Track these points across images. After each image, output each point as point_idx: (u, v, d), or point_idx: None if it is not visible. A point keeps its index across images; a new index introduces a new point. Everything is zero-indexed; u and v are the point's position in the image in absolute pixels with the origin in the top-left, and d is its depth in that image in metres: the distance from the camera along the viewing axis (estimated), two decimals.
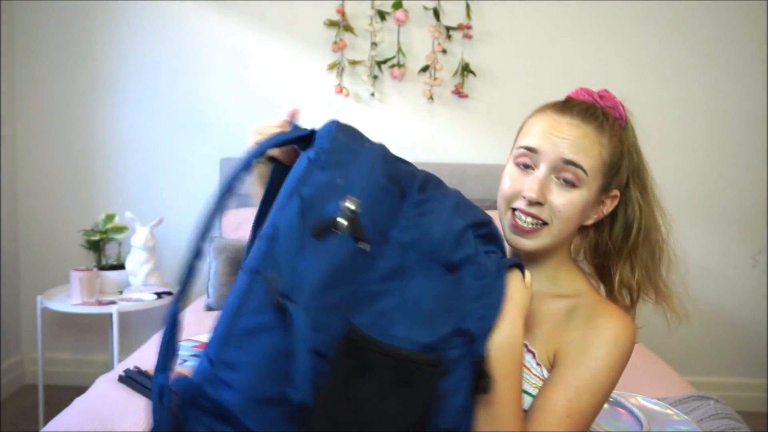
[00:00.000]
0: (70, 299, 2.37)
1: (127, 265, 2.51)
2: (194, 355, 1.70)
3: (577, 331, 0.88)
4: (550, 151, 0.90)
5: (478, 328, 0.72)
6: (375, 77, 2.73)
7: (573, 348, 0.87)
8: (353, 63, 2.73)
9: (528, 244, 0.91)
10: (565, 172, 0.90)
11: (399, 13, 2.65)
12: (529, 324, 0.89)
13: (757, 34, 2.73)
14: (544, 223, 0.90)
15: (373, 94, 2.75)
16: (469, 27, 2.69)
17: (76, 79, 2.77)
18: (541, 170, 0.90)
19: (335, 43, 2.70)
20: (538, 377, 0.88)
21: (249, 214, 2.77)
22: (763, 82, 2.74)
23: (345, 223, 0.71)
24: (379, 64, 2.72)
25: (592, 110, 0.97)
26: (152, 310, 2.55)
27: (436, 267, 0.73)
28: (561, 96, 2.64)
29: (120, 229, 2.56)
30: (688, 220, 2.83)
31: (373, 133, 2.96)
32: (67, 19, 2.74)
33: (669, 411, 1.14)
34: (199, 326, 2.04)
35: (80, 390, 1.59)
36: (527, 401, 0.86)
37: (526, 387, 0.87)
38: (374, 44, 2.70)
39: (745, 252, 2.83)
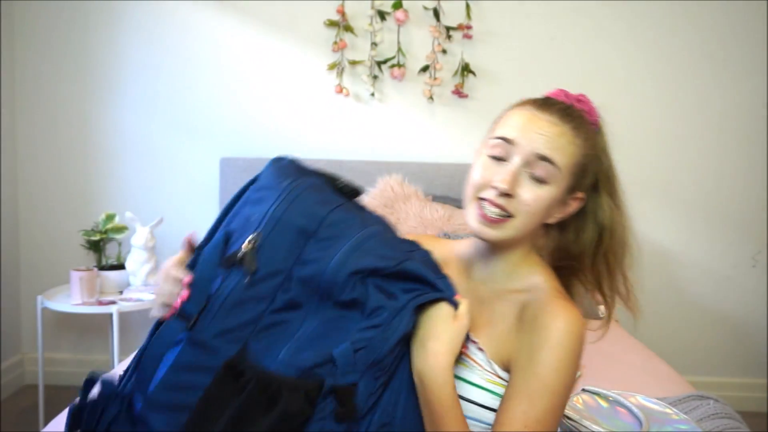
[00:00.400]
0: (70, 299, 2.37)
1: (127, 265, 2.51)
2: None
3: (525, 335, 0.89)
4: (526, 145, 0.91)
5: (345, 359, 0.74)
6: (375, 77, 2.73)
7: (522, 355, 0.88)
8: (353, 63, 2.73)
9: (492, 234, 0.91)
10: (538, 168, 0.91)
11: (399, 13, 2.65)
12: (479, 323, 0.93)
13: (757, 34, 2.73)
14: (510, 216, 0.91)
15: (373, 94, 2.75)
16: (469, 27, 2.69)
17: (76, 80, 2.77)
18: (515, 162, 0.91)
19: (335, 43, 2.70)
20: (491, 372, 0.90)
21: None
22: (763, 82, 2.74)
23: (243, 256, 0.79)
24: (379, 64, 2.72)
25: (570, 111, 0.97)
26: (152, 311, 2.55)
27: (329, 304, 0.78)
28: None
29: (120, 229, 2.56)
30: (688, 220, 2.83)
31: (374, 133, 2.98)
32: (67, 20, 2.74)
33: (668, 410, 1.14)
34: None
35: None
36: (477, 393, 0.89)
37: (476, 379, 0.89)
38: (374, 44, 2.70)
39: (744, 252, 2.82)
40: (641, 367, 1.82)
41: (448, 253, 1.04)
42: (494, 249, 0.97)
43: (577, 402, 1.12)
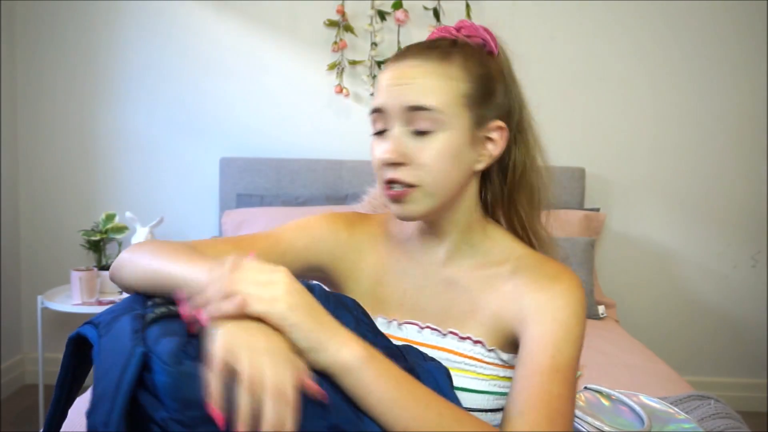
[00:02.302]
0: (71, 299, 2.37)
1: None
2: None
3: (529, 294, 0.81)
4: (394, 105, 0.80)
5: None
6: (375, 77, 2.73)
7: (532, 310, 0.80)
8: (353, 63, 2.73)
9: (406, 210, 0.81)
10: (417, 121, 0.80)
11: (399, 13, 2.65)
12: (457, 313, 0.85)
13: (757, 34, 2.73)
14: (413, 186, 0.80)
15: (373, 94, 2.75)
16: None
17: (76, 79, 2.77)
18: (394, 128, 0.81)
19: (335, 43, 2.71)
20: (494, 364, 0.83)
21: (249, 215, 2.77)
22: (763, 82, 2.74)
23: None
24: (379, 64, 2.72)
25: (432, 43, 0.85)
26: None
27: None
28: (562, 96, 2.66)
29: (120, 229, 2.56)
30: (688, 220, 2.83)
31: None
32: (68, 19, 2.74)
33: (671, 410, 1.15)
34: None
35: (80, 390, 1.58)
36: (476, 398, 0.81)
37: (477, 385, 0.82)
38: (374, 44, 2.70)
39: (744, 252, 2.83)
40: (641, 367, 1.82)
41: (385, 233, 0.95)
42: (436, 229, 0.87)
43: (579, 399, 1.12)
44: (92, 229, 2.56)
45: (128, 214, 2.51)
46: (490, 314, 0.84)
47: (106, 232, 2.55)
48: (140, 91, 2.79)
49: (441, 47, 0.84)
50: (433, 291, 0.88)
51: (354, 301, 0.80)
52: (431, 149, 0.80)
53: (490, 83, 0.85)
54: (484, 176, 0.89)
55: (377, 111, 0.83)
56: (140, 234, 2.50)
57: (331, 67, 2.73)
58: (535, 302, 0.80)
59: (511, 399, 0.75)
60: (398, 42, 2.71)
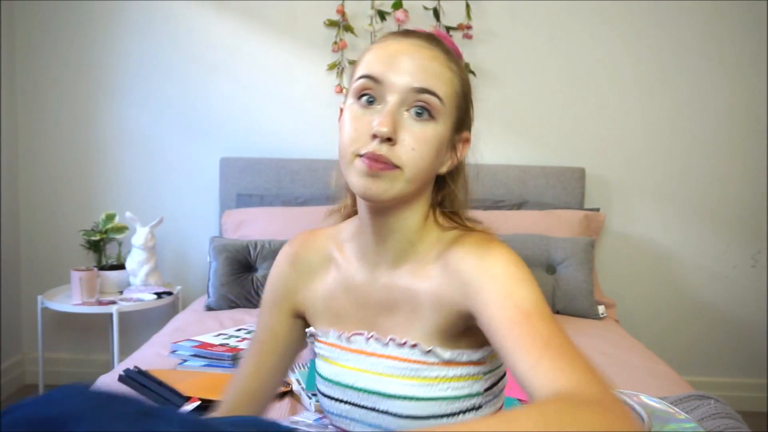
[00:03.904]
0: (71, 299, 2.37)
1: (127, 265, 2.51)
2: (194, 355, 1.70)
3: (461, 267, 0.78)
4: (396, 79, 0.76)
5: None
6: None
7: (471, 280, 0.76)
8: (353, 63, 2.72)
9: (380, 187, 0.75)
10: (418, 102, 0.76)
11: (399, 13, 2.65)
12: (396, 322, 0.83)
13: (757, 34, 2.73)
14: (396, 167, 0.76)
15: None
16: (469, 27, 2.69)
17: (76, 79, 2.77)
18: (390, 102, 0.76)
19: (335, 43, 2.71)
20: (437, 364, 0.80)
21: (249, 215, 2.77)
22: (763, 82, 2.74)
23: None
24: None
25: (434, 37, 0.83)
26: (152, 310, 2.55)
27: None
28: (562, 96, 2.67)
29: (120, 229, 2.56)
30: (688, 220, 2.83)
31: None
32: (68, 19, 2.74)
33: (671, 410, 1.15)
34: (199, 326, 2.04)
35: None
36: (428, 406, 0.79)
37: (425, 391, 0.79)
38: None
39: (744, 252, 2.83)
40: (641, 367, 1.82)
41: (334, 245, 0.92)
42: (385, 225, 0.82)
43: None
44: (92, 229, 2.56)
45: (128, 214, 2.51)
46: (429, 308, 0.81)
47: (106, 232, 2.55)
48: (140, 91, 2.79)
49: (441, 42, 0.82)
50: (378, 298, 0.86)
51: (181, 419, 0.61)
52: (424, 136, 0.77)
53: (469, 93, 0.86)
54: (445, 179, 0.87)
55: (371, 79, 0.78)
56: (140, 234, 2.50)
57: (331, 67, 2.73)
58: (469, 271, 0.77)
59: (513, 365, 0.69)
60: None
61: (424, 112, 0.77)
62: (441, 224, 0.86)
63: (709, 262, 2.83)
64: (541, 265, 2.41)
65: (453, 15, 2.70)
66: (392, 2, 2.67)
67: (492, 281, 0.75)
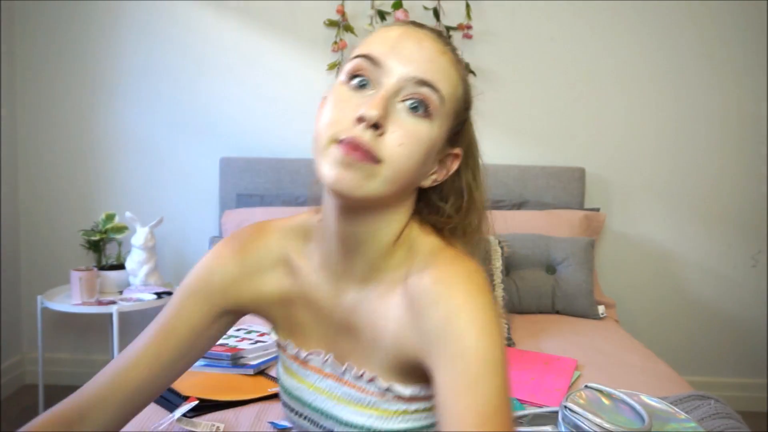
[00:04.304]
0: (71, 299, 2.37)
1: (127, 265, 2.51)
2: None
3: (420, 319, 0.68)
4: (397, 65, 0.68)
5: None
6: None
7: (430, 344, 0.66)
8: None
9: (354, 180, 0.65)
10: (417, 95, 0.67)
11: (399, 13, 2.65)
12: (357, 347, 0.76)
13: (757, 34, 2.73)
14: (379, 161, 0.65)
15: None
16: (469, 27, 2.69)
17: (76, 79, 2.77)
18: (386, 87, 0.67)
19: (335, 43, 2.71)
20: (396, 398, 0.73)
21: (249, 215, 2.76)
22: (763, 82, 2.74)
23: None
24: None
25: (445, 37, 0.75)
26: (152, 310, 2.55)
27: None
28: (562, 96, 2.67)
29: (120, 229, 2.56)
30: (688, 220, 2.83)
31: None
32: (68, 19, 2.74)
33: (671, 410, 1.15)
34: None
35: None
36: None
37: (382, 424, 0.73)
38: None
39: (744, 252, 2.83)
40: (641, 367, 1.82)
41: (292, 247, 0.82)
42: (357, 227, 0.73)
43: (580, 397, 1.12)
44: (92, 229, 2.56)
45: (128, 214, 2.51)
46: (391, 342, 0.72)
47: (106, 232, 2.55)
48: (140, 91, 2.79)
49: (450, 43, 0.74)
50: (341, 318, 0.77)
51: None
52: (417, 132, 0.67)
53: (469, 107, 0.77)
54: (427, 194, 0.78)
55: (369, 59, 0.69)
56: (140, 234, 2.50)
57: (331, 67, 2.73)
58: (433, 321, 0.66)
59: None
60: None
61: (421, 107, 0.68)
62: (419, 240, 0.76)
63: (710, 262, 2.83)
64: (541, 265, 2.41)
65: (453, 15, 2.70)
66: (392, 2, 2.67)
67: (455, 359, 0.63)
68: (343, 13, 2.69)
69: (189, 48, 2.76)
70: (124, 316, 2.51)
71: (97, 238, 2.53)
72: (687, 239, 2.83)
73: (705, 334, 2.87)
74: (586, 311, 2.33)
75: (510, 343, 1.98)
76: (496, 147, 2.77)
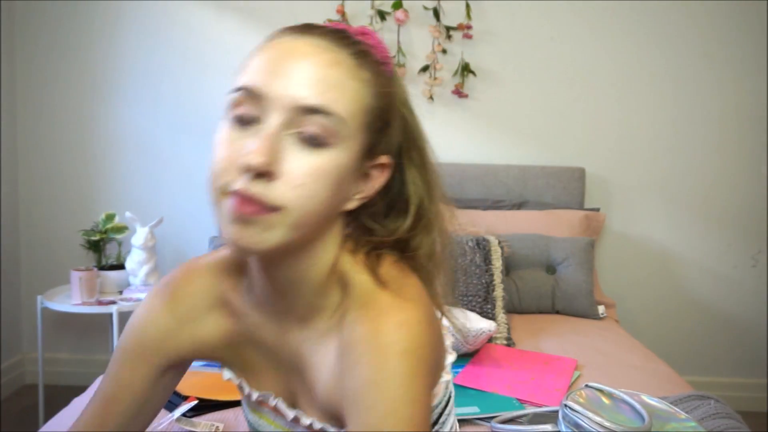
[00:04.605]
0: (71, 299, 2.37)
1: (127, 265, 2.51)
2: None
3: (349, 371, 0.62)
4: (280, 92, 0.59)
5: None
6: None
7: (348, 401, 0.61)
8: None
9: (255, 238, 0.59)
10: (308, 124, 0.59)
11: (399, 13, 2.65)
12: (306, 388, 0.71)
13: (757, 34, 2.73)
14: (276, 208, 0.58)
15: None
16: (469, 27, 2.69)
17: (76, 79, 2.77)
18: (271, 123, 0.59)
19: None
20: None
21: None
22: (763, 82, 2.74)
23: None
24: None
25: (345, 35, 0.65)
26: None
27: None
28: (562, 96, 2.65)
29: (120, 229, 2.56)
30: (688, 220, 2.83)
31: None
32: (68, 19, 2.74)
33: (671, 410, 1.15)
34: None
35: (80, 390, 1.58)
36: None
37: None
38: None
39: (744, 252, 2.83)
40: (641, 367, 1.82)
41: (227, 285, 0.75)
42: (281, 271, 0.67)
43: (580, 396, 1.12)
44: (92, 229, 2.55)
45: (128, 214, 2.51)
46: (323, 389, 0.68)
47: (106, 232, 2.55)
48: (140, 91, 2.79)
49: (355, 43, 0.64)
50: (288, 358, 0.73)
51: None
52: (315, 168, 0.59)
53: (391, 108, 0.67)
54: (357, 214, 0.70)
55: (250, 92, 0.60)
56: (140, 234, 2.50)
57: None
58: (349, 389, 0.61)
59: None
60: (398, 42, 2.71)
61: (316, 138, 0.59)
62: (351, 277, 0.68)
63: (710, 262, 2.83)
64: (541, 265, 2.41)
65: (453, 15, 2.70)
66: (392, 2, 2.67)
67: (362, 428, 0.58)
68: (343, 13, 2.69)
69: (189, 48, 2.76)
70: (124, 316, 2.50)
71: (97, 238, 2.53)
72: (687, 239, 2.83)
73: (705, 334, 2.87)
74: (586, 311, 2.32)
75: (510, 343, 1.98)
76: (496, 147, 2.77)
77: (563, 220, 2.54)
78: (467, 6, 2.69)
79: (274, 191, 0.58)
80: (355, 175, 0.65)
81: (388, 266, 0.68)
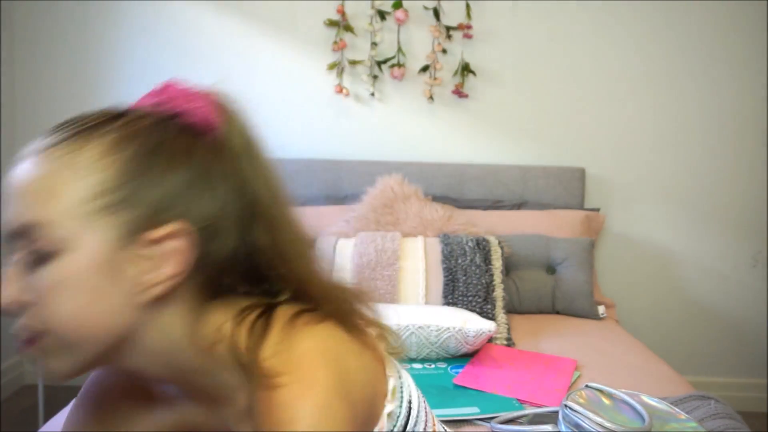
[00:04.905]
0: None
1: None
2: None
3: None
4: (4, 230, 0.58)
5: None
6: (375, 77, 2.73)
7: None
8: (353, 63, 2.72)
9: (47, 367, 0.58)
10: (27, 244, 0.56)
11: (399, 13, 2.65)
12: None
13: (757, 34, 2.73)
14: (42, 334, 0.57)
15: (373, 94, 2.75)
16: (469, 27, 2.69)
17: (76, 79, 2.77)
18: (11, 258, 0.58)
19: (335, 42, 2.70)
20: None
21: None
22: (763, 82, 2.74)
23: None
24: (379, 63, 2.72)
25: (77, 121, 0.61)
26: None
27: None
28: (562, 96, 2.61)
29: None
30: (689, 221, 2.83)
31: (374, 133, 3.00)
32: (67, 19, 2.74)
33: (672, 410, 1.15)
34: None
35: (79, 390, 1.58)
36: None
37: None
38: (374, 44, 2.70)
39: (744, 252, 2.83)
40: (641, 367, 1.82)
41: (151, 374, 0.64)
42: (135, 372, 0.63)
43: (580, 396, 1.12)
44: None
45: None
46: None
47: None
48: (140, 91, 2.77)
49: (84, 125, 0.60)
50: None
51: None
52: (50, 281, 0.55)
53: (158, 169, 0.59)
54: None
55: None
56: None
57: (331, 66, 2.73)
58: None
59: None
60: (398, 42, 2.71)
61: (39, 253, 0.55)
62: (242, 345, 0.60)
63: (710, 263, 2.83)
64: (541, 265, 2.41)
65: (453, 15, 2.70)
66: (392, 2, 2.67)
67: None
68: (343, 13, 2.68)
69: (189, 48, 2.76)
70: None
71: None
72: (687, 239, 2.83)
73: (705, 334, 2.87)
74: (586, 311, 2.32)
75: (510, 343, 1.98)
76: (496, 147, 2.77)
77: (563, 221, 2.54)
78: (467, 6, 2.69)
79: (35, 317, 0.56)
80: (123, 263, 0.56)
81: (278, 332, 0.59)
